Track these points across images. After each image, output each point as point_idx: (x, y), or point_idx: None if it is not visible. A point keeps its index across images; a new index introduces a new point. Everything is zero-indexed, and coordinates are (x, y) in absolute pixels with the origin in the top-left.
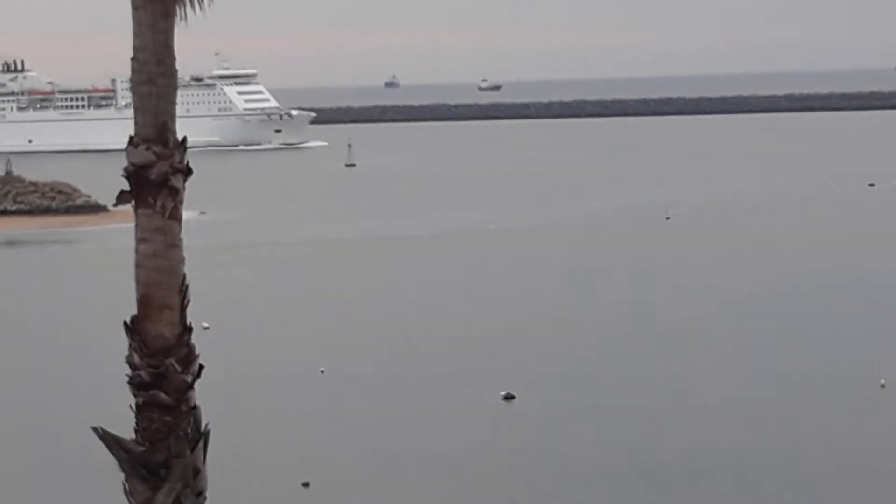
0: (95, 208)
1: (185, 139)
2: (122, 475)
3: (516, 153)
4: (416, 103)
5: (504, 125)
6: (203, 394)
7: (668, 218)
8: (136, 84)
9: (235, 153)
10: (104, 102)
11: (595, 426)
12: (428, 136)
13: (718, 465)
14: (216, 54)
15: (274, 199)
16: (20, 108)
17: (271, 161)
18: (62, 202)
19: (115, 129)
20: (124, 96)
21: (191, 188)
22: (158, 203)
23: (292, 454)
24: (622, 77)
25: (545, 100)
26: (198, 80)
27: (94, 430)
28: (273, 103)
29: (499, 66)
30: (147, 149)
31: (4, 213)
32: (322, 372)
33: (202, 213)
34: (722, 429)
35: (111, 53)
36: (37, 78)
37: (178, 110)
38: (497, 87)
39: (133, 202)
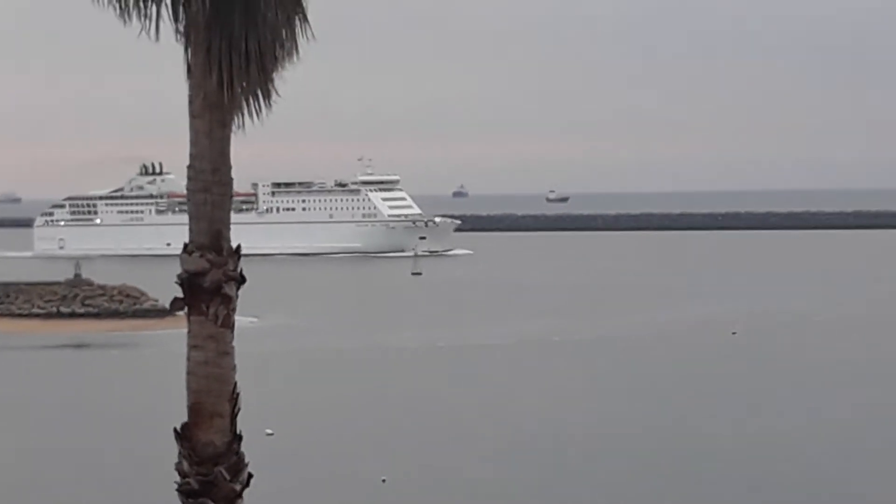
0: (162, 312)
1: (238, 247)
2: None
3: (582, 264)
4: (483, 213)
5: (571, 236)
6: (263, 500)
7: (734, 333)
8: (191, 192)
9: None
10: (245, 206)
11: None
12: (495, 245)
13: None
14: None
15: (337, 307)
16: (159, 212)
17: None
18: (129, 306)
19: (256, 234)
20: (265, 201)
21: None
22: (211, 310)
23: None
24: (682, 191)
25: (612, 212)
26: (342, 185)
27: None
28: (416, 210)
29: (566, 177)
30: (201, 256)
31: (73, 315)
32: (384, 481)
33: (254, 318)
34: None
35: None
36: (175, 181)
37: (322, 216)
38: (564, 199)
39: (186, 309)
